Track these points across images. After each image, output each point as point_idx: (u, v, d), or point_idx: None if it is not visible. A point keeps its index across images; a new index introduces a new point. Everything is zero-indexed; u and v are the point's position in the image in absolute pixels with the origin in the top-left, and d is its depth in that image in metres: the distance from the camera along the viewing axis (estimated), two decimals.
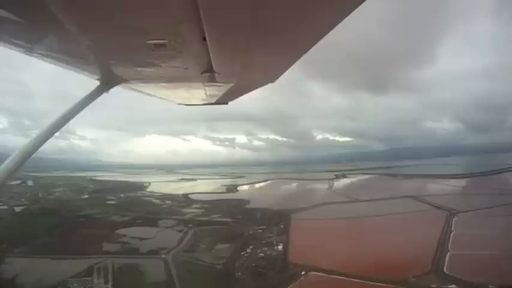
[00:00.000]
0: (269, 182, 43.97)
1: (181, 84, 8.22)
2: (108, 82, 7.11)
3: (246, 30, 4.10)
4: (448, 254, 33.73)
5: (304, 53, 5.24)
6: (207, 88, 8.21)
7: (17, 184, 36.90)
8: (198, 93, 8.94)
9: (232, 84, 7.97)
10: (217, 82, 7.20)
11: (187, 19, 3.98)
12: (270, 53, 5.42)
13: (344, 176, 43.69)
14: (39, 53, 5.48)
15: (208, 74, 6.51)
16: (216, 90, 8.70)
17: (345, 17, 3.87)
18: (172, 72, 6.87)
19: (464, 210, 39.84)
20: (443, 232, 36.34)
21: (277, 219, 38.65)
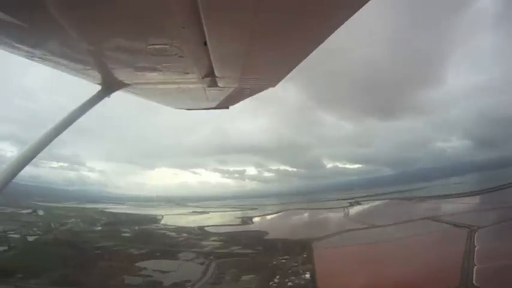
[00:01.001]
0: (283, 212, 43.20)
1: (182, 88, 8.22)
2: (109, 87, 7.12)
3: (247, 35, 4.12)
4: (475, 267, 33.65)
5: (304, 57, 5.25)
6: (208, 93, 8.21)
7: (27, 213, 36.36)
8: (199, 98, 8.95)
9: (233, 89, 7.98)
10: (218, 86, 7.21)
11: (188, 24, 4.00)
12: (270, 58, 5.43)
13: (358, 203, 42.91)
14: (40, 57, 5.50)
15: (209, 78, 6.53)
16: (217, 95, 8.71)
17: (344, 22, 3.89)
18: (173, 76, 6.89)
19: (484, 225, 39.65)
20: (467, 248, 36.15)
21: (299, 249, 38.04)
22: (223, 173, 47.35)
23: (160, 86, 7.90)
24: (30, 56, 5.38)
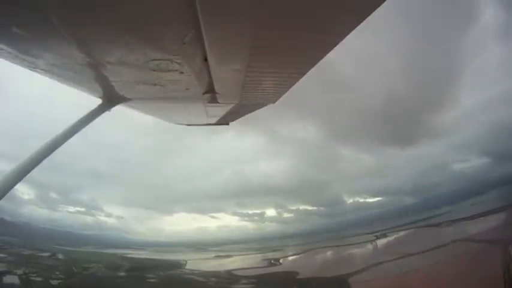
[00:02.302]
0: (308, 252, 42.43)
1: (183, 104, 8.27)
2: (110, 100, 7.15)
3: (247, 52, 4.16)
4: None
5: (304, 74, 5.31)
6: (208, 108, 8.25)
7: (47, 256, 35.79)
8: (199, 114, 8.99)
9: (233, 105, 8.02)
10: (219, 103, 7.24)
11: (189, 40, 4.05)
12: (270, 74, 5.47)
13: (385, 236, 42.06)
14: (42, 69, 5.55)
15: (210, 94, 6.57)
16: (217, 111, 8.75)
17: (342, 39, 3.95)
18: (173, 92, 6.93)
19: None
20: (506, 261, 35.50)
21: (336, 285, 37.17)
22: (243, 216, 46.10)
23: (160, 101, 7.94)
24: (33, 68, 5.42)
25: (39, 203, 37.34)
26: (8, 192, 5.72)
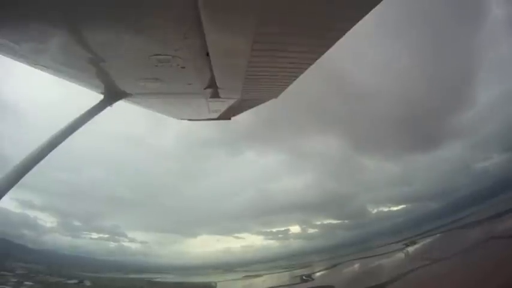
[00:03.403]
0: (339, 265, 41.86)
1: (185, 99, 8.26)
2: (112, 96, 7.16)
3: (249, 46, 4.15)
4: None
5: (306, 69, 5.29)
6: (210, 103, 8.24)
7: (74, 283, 35.76)
8: (201, 109, 8.98)
9: (235, 100, 8.01)
10: (220, 97, 7.23)
11: (191, 35, 4.04)
12: (272, 69, 5.46)
13: (414, 243, 41.35)
14: (43, 66, 5.56)
15: (212, 89, 6.56)
16: (219, 106, 8.74)
17: (343, 34, 3.93)
18: (175, 87, 6.92)
19: None
20: None
21: None
22: (267, 234, 45.60)
23: (162, 97, 7.94)
24: (34, 64, 5.43)
25: (62, 231, 37.61)
26: (13, 186, 5.74)
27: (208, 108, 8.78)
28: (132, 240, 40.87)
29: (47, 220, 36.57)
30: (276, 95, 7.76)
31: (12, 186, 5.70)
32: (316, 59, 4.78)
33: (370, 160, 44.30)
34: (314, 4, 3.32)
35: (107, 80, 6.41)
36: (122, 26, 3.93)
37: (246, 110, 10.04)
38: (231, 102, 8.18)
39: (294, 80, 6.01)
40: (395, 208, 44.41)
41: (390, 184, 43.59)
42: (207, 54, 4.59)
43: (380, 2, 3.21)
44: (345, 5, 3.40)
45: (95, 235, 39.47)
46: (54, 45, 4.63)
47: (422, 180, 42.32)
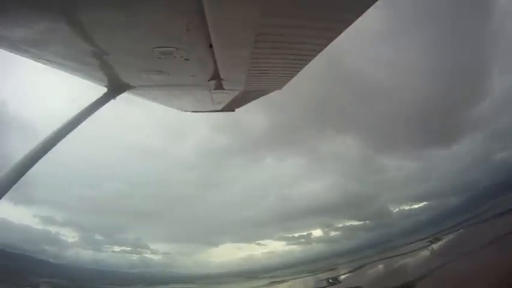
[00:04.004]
0: (364, 267, 41.34)
1: (188, 91, 8.25)
2: (115, 89, 7.14)
3: (252, 38, 4.11)
4: None
5: (309, 61, 5.25)
6: (214, 95, 8.22)
7: None
8: (205, 100, 8.96)
9: (238, 91, 7.98)
10: (224, 89, 7.21)
11: (194, 26, 4.00)
12: (275, 60, 5.42)
13: (438, 239, 40.75)
14: (47, 60, 5.54)
15: (215, 81, 6.53)
16: (223, 97, 8.72)
17: (347, 26, 3.89)
18: (179, 79, 6.90)
19: None
20: None
21: None
22: (289, 240, 45.22)
23: (166, 89, 7.92)
24: (37, 58, 5.41)
25: (84, 245, 38.03)
26: (17, 181, 5.75)
27: (212, 99, 8.76)
28: (154, 252, 41.19)
29: (69, 235, 37.22)
30: (280, 87, 7.72)
31: (15, 183, 5.70)
32: (320, 51, 4.73)
33: (388, 159, 43.92)
34: None
35: (110, 73, 6.39)
36: (124, 18, 3.90)
37: (249, 101, 10.01)
38: (234, 93, 8.15)
39: (298, 71, 5.98)
40: (416, 206, 43.79)
41: (410, 182, 43.08)
42: (211, 46, 4.56)
43: None
44: None
45: (117, 248, 39.94)
46: (57, 39, 4.62)
47: (442, 176, 41.72)
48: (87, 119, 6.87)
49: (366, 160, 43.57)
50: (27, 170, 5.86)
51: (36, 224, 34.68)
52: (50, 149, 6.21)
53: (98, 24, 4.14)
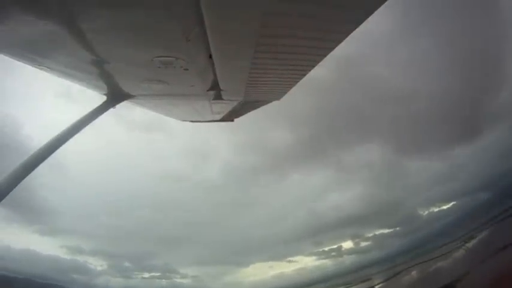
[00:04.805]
0: (400, 273, 40.60)
1: (188, 101, 8.28)
2: (115, 97, 7.17)
3: (251, 48, 4.14)
4: None
5: (308, 71, 5.29)
6: (213, 105, 8.26)
7: None
8: (204, 111, 9.00)
9: (238, 102, 8.02)
10: (223, 99, 7.25)
11: (194, 37, 4.04)
12: (275, 71, 5.46)
13: (472, 238, 39.65)
14: (48, 67, 5.57)
15: (214, 91, 6.57)
16: (222, 108, 8.76)
17: (346, 36, 3.93)
18: (178, 89, 6.93)
19: None
20: None
21: None
22: (319, 254, 44.59)
23: (165, 98, 7.95)
24: (38, 65, 5.44)
25: (113, 273, 38.05)
26: (16, 186, 5.73)
27: (211, 110, 8.80)
28: (184, 276, 40.92)
29: (97, 263, 37.26)
30: (279, 97, 7.76)
31: (15, 187, 5.69)
32: (319, 61, 4.77)
33: (414, 162, 43.37)
34: (317, 6, 3.31)
35: (109, 82, 6.42)
36: (125, 27, 3.93)
37: (249, 111, 10.05)
38: (234, 104, 8.20)
39: (298, 81, 6.01)
40: (445, 206, 42.82)
41: (437, 183, 42.32)
42: (210, 57, 4.59)
43: (383, 3, 3.20)
44: (348, 7, 3.39)
45: (146, 274, 39.80)
46: (58, 47, 4.65)
47: (469, 173, 40.84)
48: (87, 126, 6.85)
49: (391, 165, 43.14)
50: (26, 175, 5.85)
51: (64, 254, 34.89)
52: (48, 156, 6.21)
53: (98, 33, 4.17)
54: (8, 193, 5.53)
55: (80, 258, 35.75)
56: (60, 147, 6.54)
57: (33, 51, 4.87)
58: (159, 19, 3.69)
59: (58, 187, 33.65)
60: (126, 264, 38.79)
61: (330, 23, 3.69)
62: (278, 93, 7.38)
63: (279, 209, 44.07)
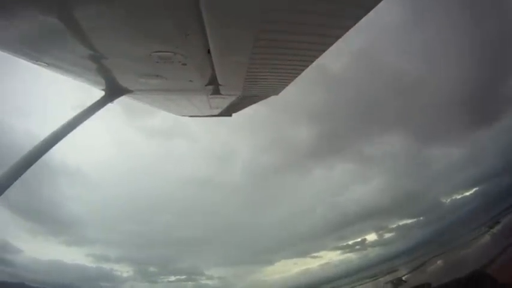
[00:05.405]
0: (427, 262, 40.08)
1: (186, 96, 8.28)
2: (113, 93, 7.16)
3: (250, 43, 4.15)
4: None
5: (306, 67, 5.29)
6: (211, 100, 8.26)
7: None
8: (202, 105, 9.00)
9: (236, 97, 8.02)
10: (221, 94, 7.25)
11: (192, 32, 4.03)
12: (273, 66, 5.46)
13: (498, 223, 38.92)
14: (46, 63, 5.55)
15: (213, 86, 6.56)
16: (220, 103, 8.75)
17: (344, 33, 3.94)
18: (176, 84, 6.93)
19: None
20: None
21: (479, 278, 35.09)
22: (344, 248, 44.21)
23: (163, 93, 7.95)
24: (36, 61, 5.43)
25: (139, 279, 38.30)
26: (15, 181, 5.74)
27: (210, 105, 8.80)
28: (210, 278, 40.99)
29: (123, 270, 37.59)
30: (276, 92, 7.77)
31: (14, 182, 5.70)
32: (317, 57, 4.78)
33: (435, 150, 42.70)
34: (315, 2, 3.31)
35: (108, 77, 6.41)
36: (123, 22, 3.93)
37: (246, 106, 10.05)
38: (232, 99, 8.20)
39: (295, 77, 6.02)
40: (468, 193, 42.07)
41: (458, 169, 41.60)
42: (208, 52, 4.59)
43: (380, 1, 3.20)
44: (346, 4, 3.40)
45: (172, 278, 39.97)
46: (56, 42, 4.63)
47: (490, 157, 40.34)
48: (84, 122, 6.84)
49: (411, 155, 42.66)
50: (25, 170, 5.86)
51: (90, 263, 35.35)
52: (47, 150, 6.21)
53: (96, 28, 4.16)
54: (8, 187, 5.53)
55: (106, 266, 36.16)
56: (61, 148, 6.54)
57: (30, 47, 4.85)
58: (157, 14, 3.69)
59: (81, 198, 34.38)
60: (152, 269, 39.09)
61: (329, 19, 3.69)
62: (276, 88, 7.39)
63: (301, 206, 44.01)
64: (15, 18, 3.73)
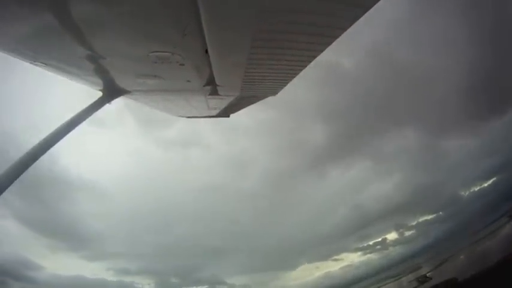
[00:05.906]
0: (452, 257, 39.56)
1: (184, 96, 8.26)
2: (110, 93, 7.13)
3: (248, 44, 4.15)
4: None
5: (304, 67, 5.29)
6: (209, 101, 8.24)
7: None
8: (200, 106, 8.98)
9: (233, 97, 8.01)
10: (220, 95, 7.23)
11: (190, 32, 4.03)
12: (271, 66, 5.46)
13: None
14: (43, 63, 5.53)
15: (210, 86, 6.55)
16: (218, 103, 8.74)
17: (342, 33, 3.94)
18: (174, 84, 6.92)
19: None
20: None
21: (509, 268, 34.81)
22: (365, 249, 43.82)
23: (161, 94, 7.93)
24: (33, 61, 5.41)
25: None
26: (13, 182, 5.70)
27: (207, 105, 8.78)
28: (232, 287, 40.74)
29: (144, 282, 37.70)
30: (275, 93, 7.76)
31: (12, 183, 5.66)
32: (315, 57, 4.78)
33: (450, 142, 42.41)
34: (313, 2, 3.32)
35: (105, 77, 6.39)
36: (121, 22, 3.92)
37: (245, 107, 10.04)
38: (230, 99, 8.18)
39: (294, 77, 6.02)
40: (486, 184, 41.65)
41: (474, 160, 41.16)
42: (206, 52, 4.58)
43: (378, 1, 3.21)
44: (344, 3, 3.40)
45: None
46: (53, 42, 4.62)
47: (504, 146, 40.15)
48: (82, 122, 6.81)
49: (428, 148, 42.36)
50: (24, 171, 5.82)
51: (110, 276, 35.47)
52: (45, 152, 6.17)
53: (94, 28, 4.15)
54: (6, 188, 5.50)
55: (127, 279, 36.30)
56: (54, 143, 6.50)
57: (27, 47, 4.83)
58: (155, 14, 3.68)
59: (100, 212, 34.58)
60: (173, 280, 39.00)
61: (327, 19, 3.70)
62: (274, 89, 7.38)
63: (320, 208, 43.83)
64: (12, 17, 3.72)
